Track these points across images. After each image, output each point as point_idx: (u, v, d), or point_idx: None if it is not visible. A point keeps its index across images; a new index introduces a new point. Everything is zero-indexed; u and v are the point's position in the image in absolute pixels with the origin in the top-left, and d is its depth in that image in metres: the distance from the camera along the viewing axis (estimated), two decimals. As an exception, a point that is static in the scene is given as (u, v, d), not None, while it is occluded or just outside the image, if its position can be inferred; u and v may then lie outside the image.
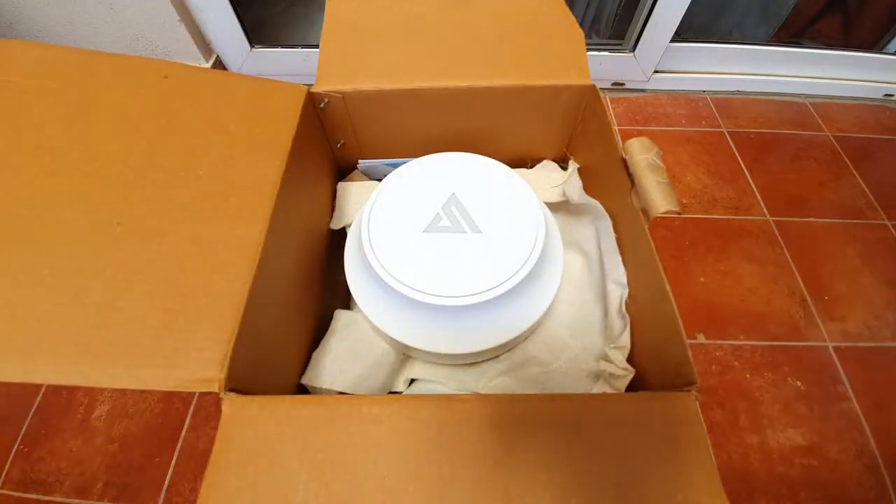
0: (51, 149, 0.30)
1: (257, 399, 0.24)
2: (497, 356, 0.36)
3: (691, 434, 0.24)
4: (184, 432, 0.58)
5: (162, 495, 0.54)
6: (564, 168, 0.48)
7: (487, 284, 0.31)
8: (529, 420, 0.24)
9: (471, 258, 0.32)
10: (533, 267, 0.31)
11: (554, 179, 0.45)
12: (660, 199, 0.30)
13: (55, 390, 0.61)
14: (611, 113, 1.00)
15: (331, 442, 0.23)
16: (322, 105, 0.40)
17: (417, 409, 0.24)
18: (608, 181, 0.38)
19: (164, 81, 0.34)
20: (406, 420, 0.24)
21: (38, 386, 0.62)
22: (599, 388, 0.33)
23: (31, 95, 0.32)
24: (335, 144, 0.46)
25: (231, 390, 0.24)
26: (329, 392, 0.34)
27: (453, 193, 0.36)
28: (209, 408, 0.60)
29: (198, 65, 0.94)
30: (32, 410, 0.60)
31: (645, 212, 0.32)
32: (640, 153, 0.33)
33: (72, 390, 0.61)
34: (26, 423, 0.59)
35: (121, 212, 0.28)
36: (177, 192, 0.29)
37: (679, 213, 0.30)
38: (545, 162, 0.49)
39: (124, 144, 0.31)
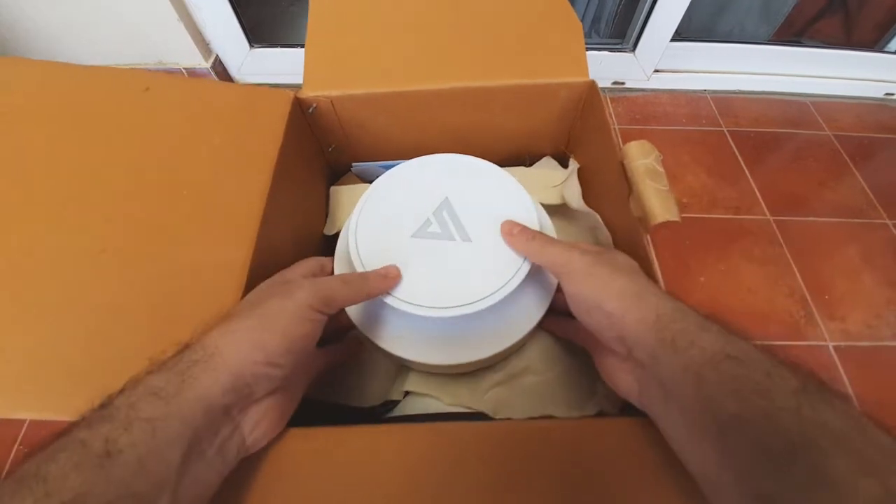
0: (32, 174, 0.29)
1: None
2: (492, 365, 0.35)
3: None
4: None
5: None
6: (565, 165, 0.47)
7: (476, 295, 0.29)
8: (525, 447, 0.24)
9: (460, 267, 0.31)
10: (525, 277, 0.30)
11: (553, 178, 0.44)
12: (658, 207, 0.29)
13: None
14: (611, 112, 0.99)
15: (323, 472, 0.23)
16: (310, 110, 0.39)
17: (412, 437, 0.24)
18: (607, 183, 0.37)
19: (145, 95, 0.33)
20: (400, 446, 0.24)
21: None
22: (596, 403, 0.32)
23: (10, 117, 0.31)
24: (326, 148, 0.45)
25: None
26: (322, 402, 0.33)
27: (446, 198, 0.34)
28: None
29: (197, 64, 0.93)
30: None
31: (643, 220, 0.31)
32: (639, 158, 0.32)
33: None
34: (26, 423, 0.58)
35: (105, 238, 0.28)
36: (161, 215, 0.29)
37: (679, 222, 0.29)
38: (545, 159, 0.48)
39: (106, 165, 0.30)
